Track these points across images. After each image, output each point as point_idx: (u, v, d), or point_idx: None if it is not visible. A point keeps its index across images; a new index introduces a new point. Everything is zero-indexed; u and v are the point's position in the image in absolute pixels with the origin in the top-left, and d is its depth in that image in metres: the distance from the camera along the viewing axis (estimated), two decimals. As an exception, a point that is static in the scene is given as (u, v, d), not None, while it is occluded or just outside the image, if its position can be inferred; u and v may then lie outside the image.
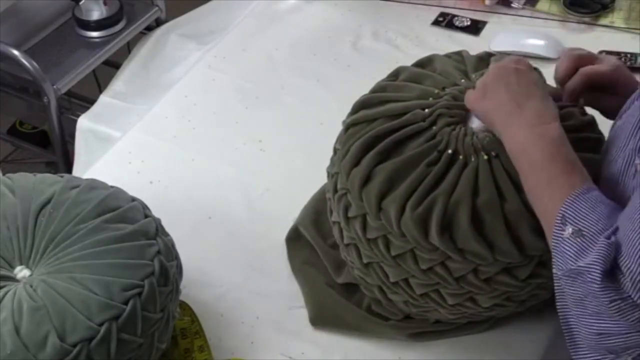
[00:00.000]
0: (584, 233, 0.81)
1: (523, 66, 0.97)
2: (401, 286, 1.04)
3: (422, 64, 1.13)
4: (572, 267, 0.81)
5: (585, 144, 0.98)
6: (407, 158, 0.99)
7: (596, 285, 0.78)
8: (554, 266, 0.84)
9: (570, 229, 0.82)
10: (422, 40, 1.61)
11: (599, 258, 0.78)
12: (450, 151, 0.98)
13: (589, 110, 1.06)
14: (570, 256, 0.81)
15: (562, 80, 1.03)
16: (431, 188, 0.97)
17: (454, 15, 1.66)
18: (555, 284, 0.85)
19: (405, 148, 1.00)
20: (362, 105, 1.08)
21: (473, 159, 0.98)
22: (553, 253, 0.84)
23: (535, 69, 1.09)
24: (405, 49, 1.59)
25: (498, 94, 0.94)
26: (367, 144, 1.01)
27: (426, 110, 1.02)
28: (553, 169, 0.87)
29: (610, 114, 1.01)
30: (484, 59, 1.11)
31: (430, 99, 1.03)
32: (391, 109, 1.04)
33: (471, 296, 1.02)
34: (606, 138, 0.99)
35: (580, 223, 0.82)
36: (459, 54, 1.14)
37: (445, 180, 0.97)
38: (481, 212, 0.95)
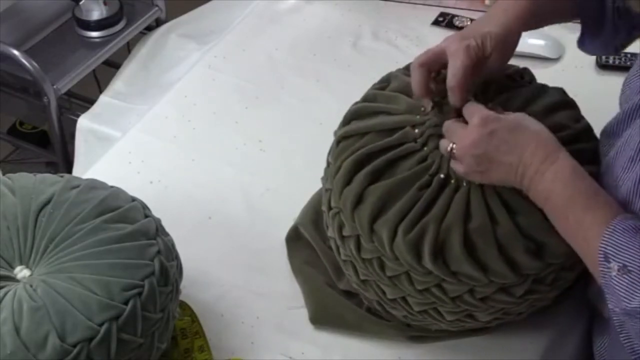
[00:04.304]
0: (630, 269, 0.78)
1: (491, 120, 0.91)
2: (399, 303, 1.04)
3: None
4: (628, 307, 0.78)
5: (581, 156, 0.96)
6: (399, 180, 0.98)
7: None
8: (609, 302, 0.82)
9: (616, 266, 0.79)
10: (422, 41, 1.61)
11: None
12: (442, 175, 0.97)
13: (588, 113, 1.06)
14: (623, 295, 0.79)
15: (424, 95, 0.99)
16: (423, 212, 0.96)
17: (454, 16, 1.66)
18: (614, 319, 0.83)
19: (397, 168, 1.00)
20: (353, 115, 1.07)
21: (465, 183, 0.97)
22: (605, 291, 0.82)
23: (522, 72, 1.09)
24: (405, 49, 1.58)
25: (493, 162, 0.91)
26: (358, 161, 1.01)
27: (416, 130, 1.01)
28: (577, 210, 0.85)
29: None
30: None
31: (418, 116, 1.02)
32: (381, 124, 1.03)
33: (469, 313, 1.02)
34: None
35: (623, 258, 0.79)
36: None
37: (437, 205, 0.96)
38: (473, 237, 0.94)
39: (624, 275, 0.78)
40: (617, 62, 1.49)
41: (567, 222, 0.87)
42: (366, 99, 1.10)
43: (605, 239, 0.81)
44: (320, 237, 1.19)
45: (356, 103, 1.10)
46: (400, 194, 0.97)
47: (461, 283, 0.97)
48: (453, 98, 0.96)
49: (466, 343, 1.11)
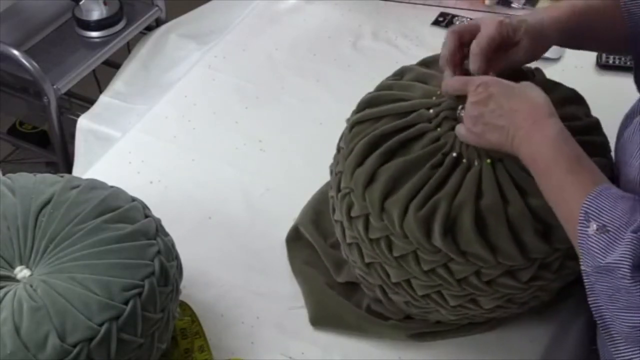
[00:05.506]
0: (609, 228, 0.81)
1: (492, 83, 0.94)
2: (403, 287, 1.04)
3: (428, 63, 1.12)
4: (601, 264, 0.80)
5: (591, 148, 0.96)
6: (411, 159, 0.99)
7: (627, 281, 0.78)
8: (581, 263, 0.84)
9: (595, 226, 0.82)
10: (422, 40, 1.61)
11: (628, 253, 0.78)
12: (454, 154, 0.98)
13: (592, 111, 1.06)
14: (598, 253, 0.81)
15: (453, 62, 1.01)
16: (435, 190, 0.97)
17: (454, 15, 1.66)
18: (585, 280, 0.84)
19: (410, 149, 1.00)
20: (367, 103, 1.07)
21: (476, 163, 0.97)
22: (579, 250, 0.84)
23: (534, 71, 1.09)
24: (405, 49, 1.59)
25: (488, 125, 0.93)
26: (372, 143, 1.01)
27: (431, 110, 1.02)
28: (560, 172, 0.87)
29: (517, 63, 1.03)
30: None
31: (434, 98, 1.03)
32: (396, 108, 1.04)
33: (473, 298, 1.02)
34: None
35: (603, 218, 0.81)
36: None
37: (449, 183, 0.97)
38: (484, 215, 0.95)
39: (602, 235, 0.81)
40: (617, 62, 1.49)
41: (550, 183, 0.89)
42: (381, 88, 1.10)
43: (588, 200, 0.83)
44: (321, 236, 1.19)
45: (370, 92, 1.10)
46: (412, 173, 0.98)
47: (469, 263, 0.97)
48: (473, 64, 0.98)
49: (467, 342, 1.11)
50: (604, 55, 1.49)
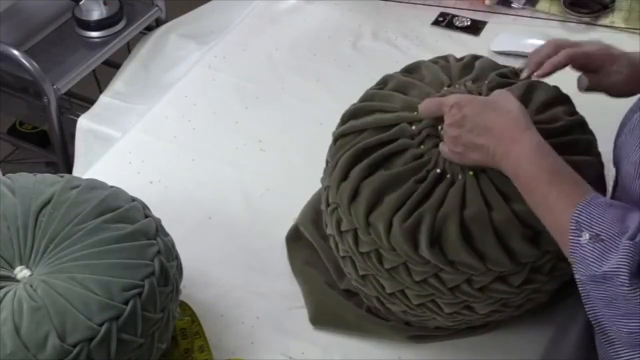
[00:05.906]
0: (602, 237, 0.81)
1: (465, 103, 0.95)
2: (398, 297, 1.04)
3: (410, 70, 1.13)
4: (597, 273, 0.80)
5: (575, 147, 0.96)
6: (395, 174, 0.99)
7: (625, 288, 0.78)
8: (575, 273, 0.84)
9: (587, 235, 0.82)
10: (422, 41, 1.61)
11: (625, 260, 0.78)
12: (438, 170, 0.98)
13: (580, 109, 1.06)
14: (592, 261, 0.81)
15: (539, 64, 1.03)
16: (419, 203, 0.97)
17: (454, 15, 1.66)
18: (580, 289, 0.84)
19: (393, 163, 1.00)
20: (351, 115, 1.08)
21: (460, 177, 0.98)
22: (572, 260, 0.84)
23: (518, 72, 1.09)
24: (405, 49, 1.59)
25: (467, 145, 0.94)
26: (354, 156, 1.01)
27: (413, 127, 1.02)
28: (543, 185, 0.87)
29: (615, 92, 1.03)
30: (469, 66, 1.10)
31: (415, 112, 1.03)
32: (378, 121, 1.04)
33: (467, 305, 1.02)
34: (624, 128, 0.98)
35: (596, 227, 0.82)
36: (446, 59, 1.13)
37: (433, 197, 0.97)
38: (470, 224, 0.95)
39: (596, 244, 0.81)
40: (617, 62, 1.48)
41: (534, 197, 0.89)
42: (364, 99, 1.10)
43: (579, 209, 0.83)
44: (321, 236, 1.19)
45: (354, 104, 1.10)
46: (396, 187, 0.98)
47: (458, 272, 0.97)
48: (547, 65, 1.03)
49: (466, 342, 1.11)
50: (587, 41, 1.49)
